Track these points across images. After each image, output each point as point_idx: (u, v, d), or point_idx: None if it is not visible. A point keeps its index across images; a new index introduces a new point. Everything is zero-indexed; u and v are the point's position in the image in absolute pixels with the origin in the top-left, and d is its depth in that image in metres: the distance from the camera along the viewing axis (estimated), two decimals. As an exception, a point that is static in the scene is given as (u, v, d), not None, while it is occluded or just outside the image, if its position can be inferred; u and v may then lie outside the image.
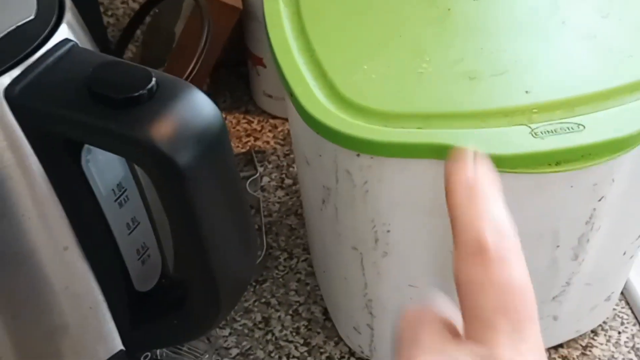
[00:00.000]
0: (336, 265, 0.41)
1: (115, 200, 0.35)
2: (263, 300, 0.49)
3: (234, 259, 0.34)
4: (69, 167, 0.32)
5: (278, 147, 0.59)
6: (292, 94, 0.35)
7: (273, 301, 0.49)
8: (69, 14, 0.33)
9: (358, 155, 0.33)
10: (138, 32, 0.60)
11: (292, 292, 0.50)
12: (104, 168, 0.34)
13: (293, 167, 0.58)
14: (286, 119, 0.61)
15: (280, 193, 0.56)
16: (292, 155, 0.59)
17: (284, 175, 0.57)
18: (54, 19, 0.32)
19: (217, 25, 0.52)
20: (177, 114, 0.30)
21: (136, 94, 0.29)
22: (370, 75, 0.35)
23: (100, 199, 0.34)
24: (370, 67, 0.35)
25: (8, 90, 0.30)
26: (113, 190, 0.35)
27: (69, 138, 0.31)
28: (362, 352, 0.44)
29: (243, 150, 0.59)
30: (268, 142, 0.60)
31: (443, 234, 0.35)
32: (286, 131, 0.61)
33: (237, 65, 0.65)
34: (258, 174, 0.56)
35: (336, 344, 0.47)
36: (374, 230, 0.36)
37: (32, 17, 0.32)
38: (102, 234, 0.35)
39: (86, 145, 0.32)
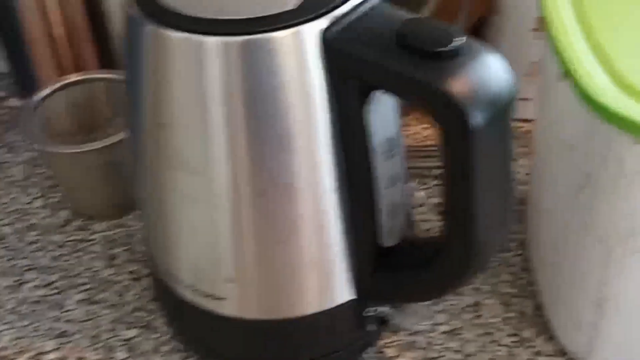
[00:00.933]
0: (573, 258, 0.41)
1: (384, 154, 0.37)
2: (474, 286, 0.50)
3: (494, 223, 0.35)
4: (355, 113, 0.35)
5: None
6: (572, 74, 0.35)
7: (484, 288, 0.50)
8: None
9: (637, 142, 0.33)
10: None
11: (504, 283, 0.50)
12: (381, 121, 0.36)
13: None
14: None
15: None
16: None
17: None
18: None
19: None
20: (479, 74, 0.31)
21: (445, 49, 0.31)
22: (657, 66, 0.35)
23: (373, 148, 0.36)
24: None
25: (326, 33, 0.33)
26: (384, 143, 0.37)
27: (370, 83, 0.34)
28: (577, 352, 0.44)
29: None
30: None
31: None
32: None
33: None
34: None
35: (547, 340, 0.47)
36: (632, 225, 0.36)
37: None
38: (365, 182, 0.37)
39: (372, 95, 0.35)
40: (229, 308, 0.41)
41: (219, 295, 0.40)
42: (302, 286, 0.40)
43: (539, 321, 0.48)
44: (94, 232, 0.54)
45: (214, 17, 0.33)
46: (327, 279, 0.40)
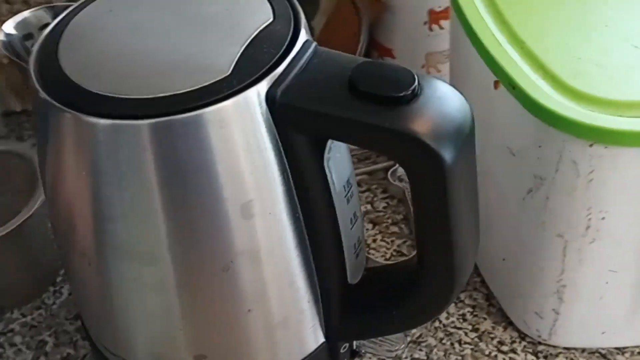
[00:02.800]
0: (529, 253, 0.41)
1: (345, 197, 0.35)
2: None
3: (468, 246, 0.34)
4: (312, 166, 0.33)
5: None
6: (515, 87, 0.35)
7: (433, 289, 0.50)
8: (302, 17, 0.33)
9: (591, 145, 0.34)
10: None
11: (451, 280, 0.51)
12: (338, 166, 0.34)
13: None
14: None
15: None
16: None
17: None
18: (292, 20, 0.33)
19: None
20: (439, 111, 0.30)
21: (406, 92, 0.30)
22: (589, 64, 0.35)
23: (334, 194, 0.34)
24: (584, 57, 0.36)
25: (270, 93, 0.30)
26: (344, 186, 0.35)
27: (325, 136, 0.32)
28: (539, 336, 0.45)
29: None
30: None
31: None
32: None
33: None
34: (397, 165, 0.56)
35: (504, 328, 0.48)
36: (587, 218, 0.37)
37: (270, 20, 0.33)
38: (330, 228, 0.35)
39: (328, 145, 0.33)
40: (200, 384, 0.38)
41: (190, 374, 0.37)
42: (275, 345, 0.38)
43: (493, 311, 0.49)
44: (11, 322, 0.49)
45: (143, 95, 0.30)
46: (297, 332, 0.38)
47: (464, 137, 0.31)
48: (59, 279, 0.51)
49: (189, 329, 0.35)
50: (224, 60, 0.30)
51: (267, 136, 0.31)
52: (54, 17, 0.34)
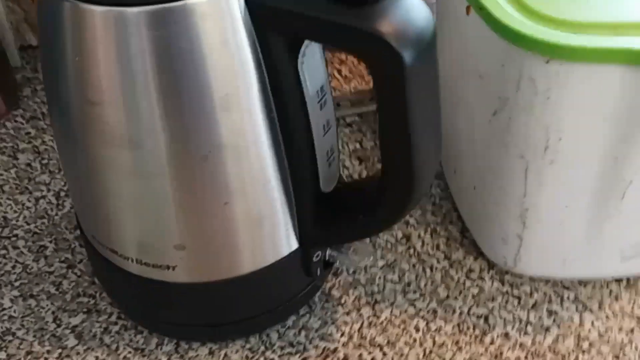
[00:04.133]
0: (494, 177, 0.44)
1: (318, 102, 0.38)
2: (402, 220, 0.53)
3: (429, 151, 0.37)
4: (287, 67, 0.36)
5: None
6: (481, 7, 0.38)
7: (411, 221, 0.53)
8: None
9: (547, 61, 0.36)
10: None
11: (429, 213, 0.53)
12: (312, 71, 0.37)
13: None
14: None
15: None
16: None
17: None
18: None
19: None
20: (401, 14, 0.33)
21: (370, -6, 0.32)
22: (553, -10, 0.38)
23: (307, 98, 0.37)
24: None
25: (249, -9, 0.34)
26: (317, 92, 0.38)
27: (301, 35, 0.35)
28: (505, 264, 0.48)
29: (368, 87, 0.63)
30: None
31: (616, 138, 0.38)
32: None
33: None
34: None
35: (475, 259, 0.50)
36: (546, 138, 0.39)
37: None
38: (304, 132, 0.38)
39: (303, 48, 0.36)
40: (179, 275, 0.41)
41: (169, 264, 0.41)
42: (250, 243, 0.41)
43: (466, 243, 0.51)
44: (16, 228, 0.53)
45: (135, -14, 0.33)
46: (272, 233, 0.41)
47: (425, 42, 0.34)
48: (62, 193, 0.55)
49: (169, 218, 0.39)
50: (208, -42, 0.33)
51: (245, 34, 0.34)
52: None
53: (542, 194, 0.42)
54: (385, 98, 0.35)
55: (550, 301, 0.48)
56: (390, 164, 0.37)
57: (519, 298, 0.48)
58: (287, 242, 0.42)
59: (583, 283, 0.49)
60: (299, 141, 0.38)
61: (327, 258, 0.44)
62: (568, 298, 0.48)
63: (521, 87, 0.38)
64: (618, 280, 0.49)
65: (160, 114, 0.35)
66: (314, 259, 0.44)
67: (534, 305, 0.48)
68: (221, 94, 0.35)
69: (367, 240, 0.45)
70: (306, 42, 0.36)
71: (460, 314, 0.47)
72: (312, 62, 0.37)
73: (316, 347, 0.46)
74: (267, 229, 0.41)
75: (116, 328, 0.47)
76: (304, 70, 0.36)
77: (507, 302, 0.48)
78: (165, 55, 0.34)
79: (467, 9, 0.40)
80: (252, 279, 0.42)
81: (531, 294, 0.48)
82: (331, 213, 0.42)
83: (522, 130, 0.40)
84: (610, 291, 0.48)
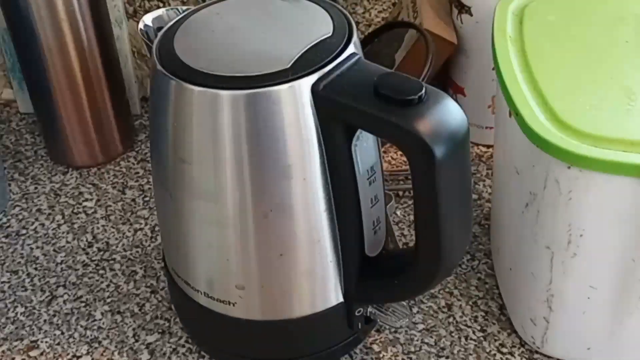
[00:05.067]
0: (526, 262, 0.49)
1: (367, 179, 0.45)
2: (447, 289, 0.58)
3: (456, 234, 0.43)
4: (342, 148, 0.43)
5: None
6: (518, 114, 0.43)
7: (455, 292, 0.58)
8: (355, 35, 0.44)
9: (569, 167, 0.41)
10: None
11: (473, 287, 0.58)
12: (364, 152, 0.44)
13: (478, 185, 0.66)
14: (475, 144, 0.69)
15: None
16: (478, 175, 0.67)
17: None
18: (345, 37, 0.43)
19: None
20: (438, 116, 0.39)
21: (411, 97, 0.39)
22: (585, 105, 0.43)
23: (358, 175, 0.44)
24: (584, 100, 0.44)
25: (314, 85, 0.41)
26: (367, 170, 0.45)
27: (352, 124, 0.42)
28: (534, 343, 0.52)
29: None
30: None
31: (632, 242, 0.42)
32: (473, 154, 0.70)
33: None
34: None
35: (508, 335, 0.55)
36: (568, 233, 0.44)
37: (330, 34, 0.43)
38: (353, 203, 0.45)
39: (357, 133, 0.43)
40: (238, 311, 0.48)
41: (230, 300, 0.48)
42: (299, 291, 0.48)
43: (503, 319, 0.56)
44: (114, 253, 0.62)
45: (226, 74, 0.41)
46: (320, 285, 0.48)
47: (457, 140, 0.40)
48: (157, 228, 0.64)
49: (233, 261, 0.46)
50: (287, 58, 0.41)
51: (310, 117, 0.42)
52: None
53: (566, 283, 0.47)
54: (418, 185, 0.41)
55: (573, 384, 0.51)
56: (421, 240, 0.43)
57: (545, 377, 0.52)
58: (334, 295, 0.48)
59: (608, 371, 0.52)
60: (348, 210, 0.45)
61: (367, 314, 0.50)
62: (591, 384, 0.51)
63: (547, 186, 0.43)
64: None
65: (235, 176, 0.43)
66: (356, 314, 0.50)
67: (557, 386, 0.51)
68: (285, 164, 0.42)
69: (405, 303, 0.50)
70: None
71: (486, 383, 0.52)
72: (364, 145, 0.44)
73: (350, 393, 0.51)
74: (316, 281, 0.47)
75: (183, 350, 0.54)
76: (357, 152, 0.43)
77: (532, 379, 0.52)
78: (244, 130, 0.42)
79: (509, 112, 0.45)
80: (300, 322, 0.49)
81: (557, 375, 0.52)
82: (373, 275, 0.48)
83: (549, 223, 0.45)
84: (634, 383, 0.51)
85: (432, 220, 0.41)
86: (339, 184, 0.44)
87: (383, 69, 0.42)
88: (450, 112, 0.40)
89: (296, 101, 0.41)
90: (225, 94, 0.41)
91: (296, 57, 0.41)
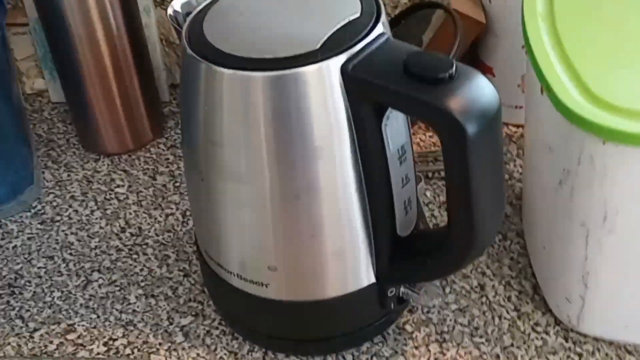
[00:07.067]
0: (560, 240, 0.48)
1: (398, 159, 0.45)
2: (479, 270, 0.58)
3: (488, 212, 0.42)
4: (373, 127, 0.43)
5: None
6: (550, 91, 0.43)
7: (488, 272, 0.58)
8: (383, 15, 0.44)
9: (604, 143, 0.41)
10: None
11: (505, 267, 0.58)
12: (395, 132, 0.44)
13: (509, 165, 0.66)
14: (505, 124, 0.68)
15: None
16: (508, 154, 0.66)
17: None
18: (374, 17, 0.43)
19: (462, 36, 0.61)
20: (469, 93, 0.39)
21: (441, 75, 0.39)
22: (618, 80, 0.42)
23: (389, 155, 0.44)
24: (618, 74, 0.43)
25: (344, 66, 0.41)
26: (398, 150, 0.45)
27: (382, 104, 0.41)
28: (570, 322, 0.51)
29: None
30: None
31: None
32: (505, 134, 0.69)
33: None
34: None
35: (543, 314, 0.54)
36: (604, 210, 0.43)
37: (358, 15, 0.43)
38: (384, 183, 0.45)
39: (387, 113, 0.43)
40: (271, 292, 0.48)
41: (263, 281, 0.48)
42: (331, 272, 0.48)
43: (537, 298, 0.55)
44: (146, 237, 0.63)
45: (256, 56, 0.41)
46: (352, 266, 0.48)
47: (489, 117, 0.39)
48: (188, 213, 0.64)
49: (265, 243, 0.46)
50: (316, 39, 0.41)
51: (339, 98, 0.42)
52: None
53: (601, 260, 0.46)
54: (450, 163, 0.40)
55: (610, 362, 0.51)
56: (454, 219, 0.43)
57: (580, 355, 0.52)
58: (366, 275, 0.48)
59: (647, 350, 0.51)
60: (379, 190, 0.45)
61: (400, 294, 0.50)
62: (628, 362, 0.51)
63: (582, 162, 0.43)
64: (681, 352, 0.51)
65: (266, 157, 0.43)
66: (389, 294, 0.50)
67: (593, 364, 0.51)
68: (316, 145, 0.42)
69: (437, 282, 0.50)
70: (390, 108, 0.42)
71: (521, 362, 0.51)
72: (395, 124, 0.44)
73: (384, 373, 0.52)
74: (347, 262, 0.48)
75: (217, 332, 0.55)
76: (387, 131, 0.43)
77: (568, 357, 0.52)
78: (275, 111, 0.42)
79: (541, 89, 0.45)
80: (333, 303, 0.49)
81: (593, 353, 0.52)
82: (405, 255, 0.48)
83: (583, 201, 0.44)
84: (672, 361, 0.50)
85: (465, 198, 0.41)
86: (370, 164, 0.44)
87: (413, 47, 0.42)
88: (481, 89, 0.40)
89: (326, 82, 0.41)
90: (255, 75, 0.41)
91: (325, 38, 0.41)
